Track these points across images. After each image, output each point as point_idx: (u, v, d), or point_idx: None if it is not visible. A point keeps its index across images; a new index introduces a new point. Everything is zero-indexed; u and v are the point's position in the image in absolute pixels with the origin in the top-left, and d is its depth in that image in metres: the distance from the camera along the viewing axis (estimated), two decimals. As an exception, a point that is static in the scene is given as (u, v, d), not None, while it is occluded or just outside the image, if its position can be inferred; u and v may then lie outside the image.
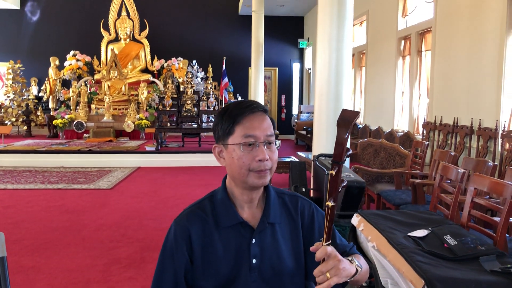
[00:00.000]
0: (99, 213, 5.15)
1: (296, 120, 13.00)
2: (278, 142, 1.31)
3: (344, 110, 1.16)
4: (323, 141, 3.76)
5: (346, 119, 1.13)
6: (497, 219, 2.28)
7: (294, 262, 1.34)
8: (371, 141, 5.81)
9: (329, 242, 1.16)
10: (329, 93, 4.14)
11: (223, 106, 10.27)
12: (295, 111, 14.50)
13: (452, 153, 3.79)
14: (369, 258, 2.29)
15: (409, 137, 6.58)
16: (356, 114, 1.15)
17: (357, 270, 1.21)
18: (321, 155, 3.27)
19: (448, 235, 2.14)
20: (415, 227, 2.36)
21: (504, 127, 4.80)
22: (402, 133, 6.89)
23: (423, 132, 6.59)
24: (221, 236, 1.30)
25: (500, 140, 4.80)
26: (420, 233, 2.23)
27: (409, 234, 2.24)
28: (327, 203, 1.16)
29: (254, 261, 1.29)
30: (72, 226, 4.63)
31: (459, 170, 2.63)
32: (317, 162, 3.20)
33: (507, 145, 4.64)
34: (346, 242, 1.42)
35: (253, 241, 1.30)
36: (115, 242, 4.13)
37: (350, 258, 1.25)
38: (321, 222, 1.39)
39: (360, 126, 9.14)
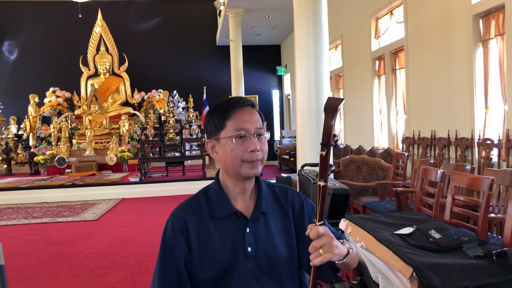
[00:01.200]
0: (86, 243, 5.10)
1: (278, 146, 13.12)
2: (267, 134, 1.39)
3: (329, 98, 1.26)
4: (307, 155, 3.87)
5: (332, 106, 1.22)
6: (477, 213, 2.38)
7: (288, 250, 1.39)
8: (353, 157, 5.92)
9: (322, 222, 1.23)
10: (310, 110, 4.26)
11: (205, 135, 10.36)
12: (277, 136, 14.66)
13: (432, 161, 3.91)
14: (361, 259, 2.36)
15: (390, 153, 6.73)
16: (340, 100, 1.25)
17: (348, 251, 1.28)
18: (305, 164, 3.35)
19: (432, 230, 2.23)
20: (401, 226, 2.43)
21: (479, 136, 4.98)
22: (382, 150, 7.04)
23: (402, 147, 6.75)
24: (216, 227, 1.36)
25: (476, 148, 4.97)
26: (406, 230, 2.31)
27: (396, 232, 2.32)
28: (318, 183, 1.24)
29: (249, 249, 1.34)
30: (59, 257, 4.57)
31: (439, 171, 2.74)
32: (302, 172, 3.28)
33: (483, 152, 4.80)
34: (335, 230, 1.49)
35: (248, 230, 1.35)
36: (104, 269, 4.09)
37: (341, 241, 1.31)
38: (310, 212, 1.45)
39: (342, 146, 9.28)
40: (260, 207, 1.39)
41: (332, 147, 1.24)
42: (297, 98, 4.30)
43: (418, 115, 6.42)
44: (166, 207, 7.27)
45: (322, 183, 1.23)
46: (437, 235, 2.15)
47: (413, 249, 2.01)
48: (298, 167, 3.94)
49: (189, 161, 10.98)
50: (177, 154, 9.49)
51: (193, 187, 8.71)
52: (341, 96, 9.96)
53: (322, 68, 4.53)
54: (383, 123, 7.78)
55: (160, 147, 9.43)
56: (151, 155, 9.81)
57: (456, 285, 1.64)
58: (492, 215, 2.71)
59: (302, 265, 1.43)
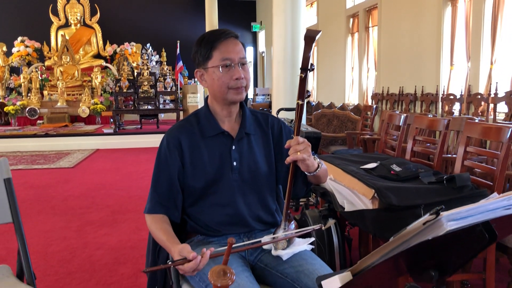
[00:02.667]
0: (65, 187, 5.23)
1: (252, 103, 13.27)
2: (249, 63, 1.57)
3: (308, 29, 1.45)
4: (281, 103, 4.07)
5: (311, 36, 1.42)
6: (434, 151, 2.65)
7: (267, 166, 1.60)
8: (324, 111, 6.17)
9: (299, 136, 1.44)
10: (285, 62, 4.44)
11: (179, 89, 10.40)
12: (250, 94, 14.77)
13: (397, 112, 4.18)
14: (329, 189, 2.61)
15: (359, 108, 7.01)
16: (318, 32, 1.45)
17: (319, 165, 1.49)
18: (281, 109, 3.56)
19: (394, 164, 2.49)
20: (366, 163, 2.69)
21: (444, 92, 5.28)
22: (352, 106, 7.32)
23: (372, 103, 7.04)
24: (206, 144, 1.55)
25: (440, 103, 5.28)
26: (371, 165, 2.56)
27: (361, 167, 2.57)
28: (297, 101, 1.45)
29: (234, 163, 1.55)
30: (39, 198, 4.70)
31: (403, 115, 3.00)
32: (278, 115, 3.49)
33: (446, 107, 5.12)
34: None
35: (233, 147, 1.56)
36: (85, 209, 4.27)
37: (313, 157, 1.53)
38: (287, 134, 1.66)
39: (314, 103, 9.53)
40: (244, 128, 1.58)
41: (309, 72, 1.44)
42: (274, 50, 4.47)
43: (388, 72, 6.68)
44: (141, 158, 7.41)
45: (300, 102, 1.44)
46: (397, 168, 2.41)
47: (375, 177, 2.27)
48: (274, 113, 4.15)
49: (163, 114, 11.05)
50: (150, 107, 9.54)
51: (167, 140, 8.85)
52: (315, 55, 10.12)
53: (299, 23, 4.67)
54: (355, 80, 8.04)
55: (134, 99, 9.44)
56: (124, 107, 9.82)
57: (410, 203, 1.90)
58: (448, 155, 3.00)
59: (279, 179, 1.65)
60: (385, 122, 3.31)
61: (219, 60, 1.49)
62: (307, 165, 1.43)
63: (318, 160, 1.52)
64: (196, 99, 9.36)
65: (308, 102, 8.66)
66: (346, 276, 0.93)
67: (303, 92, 1.43)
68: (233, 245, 1.47)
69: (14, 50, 12.36)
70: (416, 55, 5.90)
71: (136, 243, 3.31)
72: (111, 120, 10.06)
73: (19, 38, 12.55)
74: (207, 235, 1.56)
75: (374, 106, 4.94)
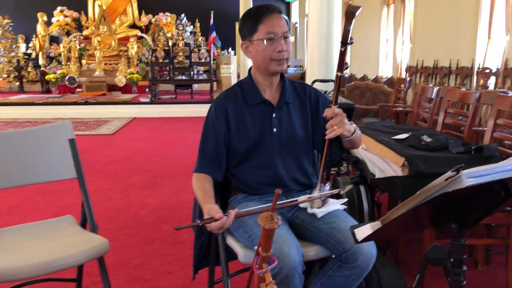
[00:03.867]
0: (106, 152, 5.53)
1: (284, 75, 13.30)
2: (292, 37, 1.70)
3: (349, 5, 1.57)
4: (316, 74, 4.17)
5: (352, 11, 1.54)
6: (464, 123, 2.73)
7: (304, 133, 1.75)
8: (358, 83, 6.21)
9: (337, 105, 1.58)
10: (321, 34, 4.49)
11: (212, 60, 10.53)
12: (282, 65, 14.77)
13: (431, 85, 4.21)
14: (361, 158, 2.74)
15: (393, 81, 7.00)
16: (358, 7, 1.56)
17: (355, 130, 1.63)
18: (316, 80, 3.67)
19: (425, 135, 2.58)
20: (397, 134, 2.79)
21: (479, 65, 5.24)
22: (386, 79, 7.31)
23: (405, 76, 7.01)
24: (249, 111, 1.71)
25: (475, 77, 5.25)
26: (402, 136, 2.67)
27: (393, 137, 2.68)
28: (336, 73, 1.58)
29: (274, 129, 1.70)
30: (84, 162, 4.91)
31: (435, 88, 3.06)
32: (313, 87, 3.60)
33: (481, 81, 5.09)
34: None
35: (274, 115, 1.71)
36: (127, 172, 4.53)
37: (350, 122, 1.66)
38: (324, 104, 1.79)
39: (346, 75, 9.52)
40: (284, 97, 1.73)
41: (349, 45, 1.56)
42: (309, 22, 4.52)
43: (423, 45, 6.62)
44: (177, 127, 7.66)
45: (339, 74, 1.57)
46: (428, 139, 2.51)
47: (406, 147, 2.38)
48: (307, 82, 4.26)
49: (196, 85, 11.26)
50: (185, 77, 9.74)
51: (201, 110, 9.04)
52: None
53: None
54: (389, 52, 7.98)
55: (169, 69, 9.65)
56: (158, 77, 10.06)
57: (438, 171, 2.01)
58: (479, 128, 3.07)
59: (315, 145, 1.79)
60: (418, 94, 3.37)
61: (264, 33, 1.61)
62: (343, 134, 1.57)
63: (354, 125, 1.65)
64: (230, 70, 9.49)
65: (342, 75, 8.65)
66: (376, 224, 1.08)
67: (342, 64, 1.56)
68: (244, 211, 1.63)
69: (53, 20, 12.72)
70: (452, 27, 5.83)
71: (176, 204, 3.54)
72: (147, 89, 10.33)
73: (58, 8, 12.89)
74: (249, 193, 1.73)
75: (408, 79, 4.96)
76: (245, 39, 1.69)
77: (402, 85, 5.10)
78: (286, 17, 1.71)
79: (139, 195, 3.79)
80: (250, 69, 1.78)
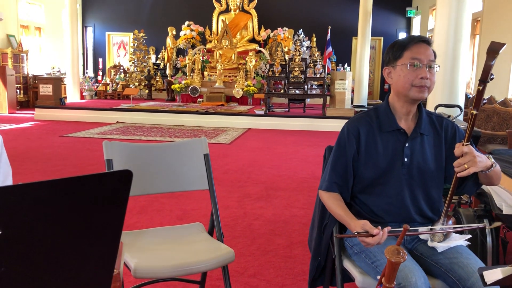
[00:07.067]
0: (224, 161, 5.87)
1: (422, 105, 12.88)
2: (437, 68, 1.67)
3: (492, 42, 1.54)
4: (438, 97, 4.03)
5: (494, 49, 1.52)
6: None
7: (436, 166, 1.72)
8: (483, 107, 5.84)
9: (468, 143, 1.55)
10: (446, 54, 4.33)
11: (326, 74, 10.60)
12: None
13: None
14: (486, 190, 2.61)
15: (524, 105, 6.45)
16: (502, 45, 1.53)
17: (492, 164, 1.57)
18: (439, 105, 3.55)
19: (562, 172, 2.39)
20: (529, 167, 2.61)
21: None
22: (516, 102, 6.74)
23: (540, 100, 6.41)
24: (382, 138, 1.73)
25: None
26: (535, 170, 2.49)
27: (524, 171, 2.51)
28: (471, 111, 1.56)
29: (405, 159, 1.70)
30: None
31: None
32: (436, 111, 3.50)
33: None
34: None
35: (407, 145, 1.71)
36: (242, 182, 4.78)
37: (487, 156, 1.61)
38: (461, 138, 1.75)
39: (470, 96, 8.96)
40: (419, 128, 1.72)
41: (487, 83, 1.54)
42: (435, 41, 4.38)
43: None
44: (289, 140, 7.85)
45: (474, 112, 1.55)
46: None
47: (540, 184, 2.23)
48: (429, 108, 4.13)
49: (309, 99, 11.40)
50: (299, 91, 9.94)
51: (312, 124, 9.18)
52: (476, 43, 9.44)
53: (463, 13, 4.48)
54: (521, 73, 7.35)
55: (284, 83, 9.91)
56: (273, 91, 10.39)
57: None
58: None
59: (447, 179, 1.75)
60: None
61: (409, 59, 1.62)
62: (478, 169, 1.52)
63: (493, 160, 1.59)
64: (344, 86, 9.47)
65: (465, 95, 8.17)
66: (508, 270, 1.06)
67: (479, 102, 1.53)
68: (394, 230, 1.67)
69: (181, 33, 13.78)
70: None
71: (288, 218, 3.66)
72: (262, 102, 10.71)
73: (186, 23, 13.93)
74: (369, 221, 1.76)
75: (544, 105, 4.56)
76: (389, 65, 1.71)
77: (536, 111, 4.69)
78: (434, 50, 1.71)
79: (253, 205, 3.98)
80: (387, 96, 1.79)
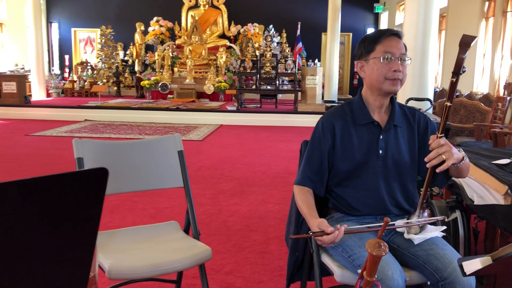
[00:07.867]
0: (196, 158, 5.81)
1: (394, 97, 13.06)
2: (409, 61, 1.69)
3: (464, 35, 1.56)
4: (409, 91, 4.09)
5: (466, 42, 1.53)
6: None
7: (410, 158, 1.74)
8: (451, 100, 5.97)
9: (443, 135, 1.56)
10: (415, 49, 4.40)
11: (297, 70, 10.64)
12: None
13: (535, 106, 3.96)
14: (458, 182, 2.66)
15: (489, 98, 6.62)
16: (474, 38, 1.54)
17: (463, 156, 1.60)
18: (410, 98, 3.61)
19: (529, 162, 2.46)
20: (497, 158, 2.67)
21: None
22: (481, 95, 6.93)
23: (504, 94, 6.61)
24: (356, 131, 1.73)
25: None
26: (503, 161, 2.55)
27: (493, 162, 2.57)
28: (445, 103, 1.58)
29: (380, 152, 1.71)
30: (176, 166, 5.29)
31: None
32: (407, 104, 3.55)
33: None
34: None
35: (381, 137, 1.72)
36: (216, 179, 4.74)
37: (458, 149, 1.63)
38: (433, 130, 1.78)
39: (438, 89, 9.16)
40: (393, 120, 1.73)
41: (459, 75, 1.56)
42: (405, 36, 4.44)
43: (526, 61, 6.21)
44: (261, 135, 7.84)
45: (448, 103, 1.56)
46: (533, 167, 2.39)
47: (508, 174, 2.28)
48: (400, 102, 4.18)
49: (281, 94, 11.43)
50: (270, 87, 9.94)
51: (284, 119, 9.20)
52: (442, 38, 9.66)
53: (432, 6, 4.56)
54: (485, 68, 7.57)
55: (256, 79, 9.90)
56: (244, 87, 10.36)
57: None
58: None
59: (420, 171, 1.77)
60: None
61: (381, 52, 1.63)
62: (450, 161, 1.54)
63: (464, 153, 1.62)
64: (315, 81, 9.52)
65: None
66: (486, 260, 1.07)
67: (452, 94, 1.55)
68: (370, 225, 1.68)
69: (150, 29, 13.57)
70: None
71: (263, 213, 3.65)
72: (233, 98, 10.67)
73: (155, 18, 13.72)
74: (346, 214, 1.77)
75: (508, 98, 4.70)
76: (361, 59, 1.72)
77: (500, 104, 4.83)
78: (405, 43, 1.72)
79: (228, 202, 3.95)
80: (360, 90, 1.81)
